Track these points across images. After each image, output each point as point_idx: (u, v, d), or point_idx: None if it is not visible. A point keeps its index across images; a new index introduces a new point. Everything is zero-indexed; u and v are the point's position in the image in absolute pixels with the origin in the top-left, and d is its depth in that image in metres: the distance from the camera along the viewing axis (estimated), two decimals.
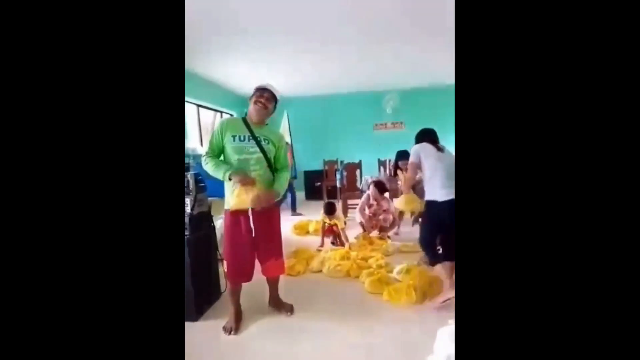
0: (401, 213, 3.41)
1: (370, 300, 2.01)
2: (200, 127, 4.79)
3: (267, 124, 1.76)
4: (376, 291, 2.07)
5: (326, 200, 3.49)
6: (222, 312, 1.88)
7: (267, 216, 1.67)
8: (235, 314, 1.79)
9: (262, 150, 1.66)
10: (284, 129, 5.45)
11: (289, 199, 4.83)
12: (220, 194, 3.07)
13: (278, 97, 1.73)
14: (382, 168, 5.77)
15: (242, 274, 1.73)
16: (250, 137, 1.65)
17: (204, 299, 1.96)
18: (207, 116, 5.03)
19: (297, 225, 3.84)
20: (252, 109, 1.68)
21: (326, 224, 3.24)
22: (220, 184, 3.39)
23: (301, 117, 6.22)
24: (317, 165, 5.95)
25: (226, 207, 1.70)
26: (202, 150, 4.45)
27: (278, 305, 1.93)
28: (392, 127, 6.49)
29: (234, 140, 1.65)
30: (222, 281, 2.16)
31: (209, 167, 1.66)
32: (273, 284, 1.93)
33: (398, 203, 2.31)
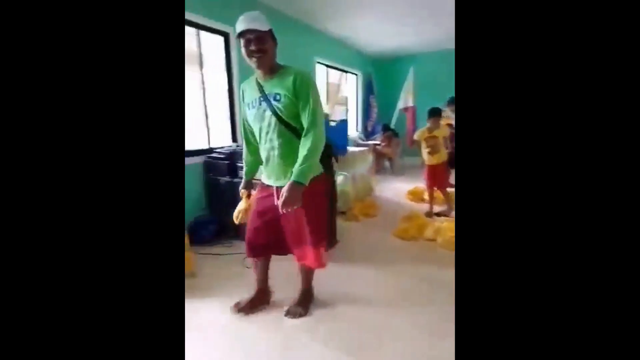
0: None
1: None
2: (327, 88, 5.04)
3: (280, 71, 1.27)
4: None
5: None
6: (337, 257, 2.13)
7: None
8: (255, 292, 1.57)
9: (274, 112, 1.24)
10: (408, 89, 5.13)
11: None
12: (342, 152, 3.28)
13: (269, 28, 1.21)
14: None
15: (252, 247, 1.45)
16: (262, 98, 1.26)
17: None
18: (333, 76, 5.22)
19: (412, 191, 3.75)
20: (251, 64, 1.24)
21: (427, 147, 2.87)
22: (341, 144, 3.57)
23: (427, 73, 5.68)
24: None
25: None
26: (328, 109, 4.75)
27: (296, 302, 1.55)
28: None
29: (249, 109, 1.32)
30: (339, 230, 2.43)
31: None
32: (303, 274, 1.56)
33: None
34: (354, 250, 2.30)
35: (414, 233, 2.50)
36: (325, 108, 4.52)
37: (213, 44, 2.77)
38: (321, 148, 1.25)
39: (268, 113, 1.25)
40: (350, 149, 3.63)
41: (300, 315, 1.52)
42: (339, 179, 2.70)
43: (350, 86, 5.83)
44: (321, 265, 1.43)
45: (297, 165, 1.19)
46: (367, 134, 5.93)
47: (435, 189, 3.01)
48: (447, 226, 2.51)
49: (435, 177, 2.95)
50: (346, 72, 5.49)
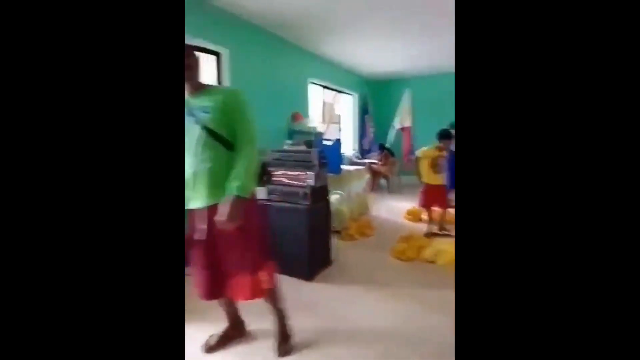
0: None
1: None
2: (324, 107, 5.09)
3: (208, 89, 1.23)
4: None
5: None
6: (332, 277, 2.05)
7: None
8: (226, 327, 1.44)
9: (202, 125, 1.15)
10: (404, 110, 5.18)
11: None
12: (337, 171, 3.24)
13: (191, 45, 1.23)
14: None
15: (205, 290, 1.28)
16: (188, 113, 1.17)
17: (317, 263, 2.15)
18: (328, 96, 5.28)
19: (410, 211, 3.69)
20: None
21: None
22: (336, 163, 3.53)
23: (423, 95, 5.77)
24: None
25: None
26: (323, 128, 4.76)
27: (276, 337, 1.39)
28: None
29: None
30: (334, 250, 2.35)
31: None
32: (268, 299, 1.35)
33: None
34: (350, 270, 2.22)
35: (412, 254, 2.42)
36: (321, 127, 4.53)
37: (206, 63, 2.81)
38: (257, 164, 1.21)
39: (196, 126, 1.16)
40: (345, 167, 3.60)
41: (286, 353, 1.36)
42: (334, 197, 2.64)
43: (347, 105, 5.89)
44: (259, 294, 1.25)
45: (235, 180, 1.11)
46: (363, 152, 5.94)
47: (435, 208, 3.06)
48: (447, 248, 2.44)
49: (438, 197, 3.00)
50: (341, 92, 5.57)
